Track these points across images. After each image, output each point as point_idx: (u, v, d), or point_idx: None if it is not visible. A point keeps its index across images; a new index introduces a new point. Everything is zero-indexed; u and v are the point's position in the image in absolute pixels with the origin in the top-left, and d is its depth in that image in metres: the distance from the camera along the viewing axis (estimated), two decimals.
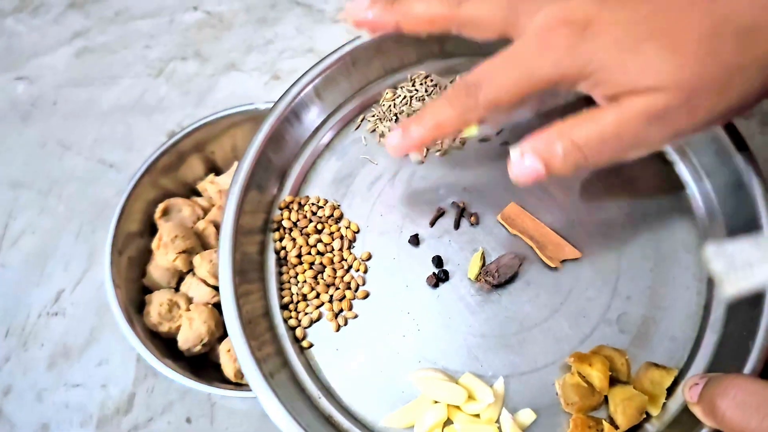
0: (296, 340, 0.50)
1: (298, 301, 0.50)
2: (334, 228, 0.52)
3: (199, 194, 0.69)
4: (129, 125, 0.79)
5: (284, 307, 0.50)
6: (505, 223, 0.51)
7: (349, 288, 0.50)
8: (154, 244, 0.62)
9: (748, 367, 0.43)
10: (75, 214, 0.73)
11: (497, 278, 0.48)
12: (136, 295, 0.61)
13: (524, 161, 0.40)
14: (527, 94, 0.39)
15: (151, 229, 0.65)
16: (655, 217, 0.51)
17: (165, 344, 0.60)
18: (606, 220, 0.51)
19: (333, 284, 0.51)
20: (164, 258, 0.61)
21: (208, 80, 0.81)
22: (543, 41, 0.37)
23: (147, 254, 0.64)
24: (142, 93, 0.81)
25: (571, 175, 0.39)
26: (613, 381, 0.45)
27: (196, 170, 0.69)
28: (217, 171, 0.70)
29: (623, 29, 0.36)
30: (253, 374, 0.45)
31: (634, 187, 0.52)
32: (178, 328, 0.59)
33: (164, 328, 0.59)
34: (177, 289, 0.63)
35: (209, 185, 0.68)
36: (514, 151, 0.40)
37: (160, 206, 0.64)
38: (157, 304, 0.59)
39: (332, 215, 0.52)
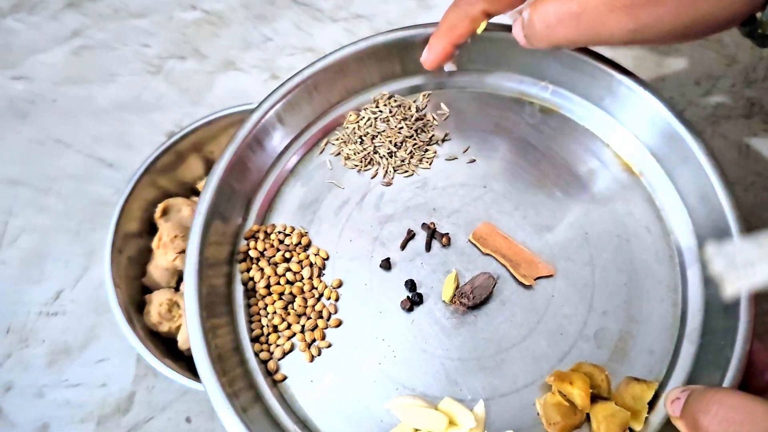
0: (268, 374, 0.48)
1: (268, 333, 0.49)
2: (302, 256, 0.51)
3: (198, 194, 0.68)
4: (127, 123, 0.78)
5: (255, 339, 0.49)
6: (477, 243, 0.50)
7: (321, 317, 0.49)
8: (153, 244, 0.61)
9: (728, 377, 0.43)
10: (74, 212, 0.72)
11: (472, 299, 0.47)
12: (136, 294, 0.60)
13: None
14: None
15: (151, 229, 0.63)
16: (628, 231, 0.50)
17: (165, 344, 0.59)
18: (579, 236, 0.50)
19: (304, 314, 0.49)
20: (164, 258, 0.60)
21: (207, 78, 0.80)
22: None
23: (147, 254, 0.63)
24: (140, 91, 0.80)
25: (535, 46, 0.42)
26: (594, 398, 0.44)
27: (196, 170, 0.68)
28: None
29: None
30: (225, 411, 0.43)
31: (605, 202, 0.52)
32: (178, 327, 0.58)
33: (164, 327, 0.58)
34: (177, 289, 0.62)
35: None
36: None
37: (160, 206, 0.63)
38: (157, 304, 0.58)
39: (300, 243, 0.51)
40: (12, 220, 0.72)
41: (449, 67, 0.49)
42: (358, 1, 0.84)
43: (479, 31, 0.45)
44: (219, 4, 0.86)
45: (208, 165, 0.68)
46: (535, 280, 0.49)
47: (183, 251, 0.60)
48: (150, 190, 0.63)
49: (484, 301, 0.48)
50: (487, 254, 0.50)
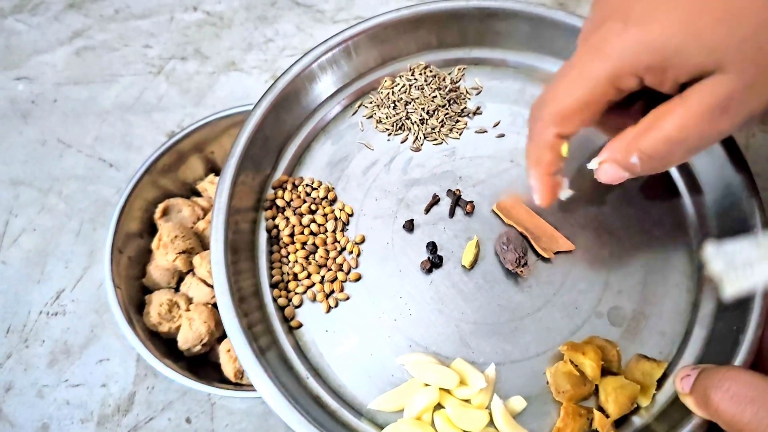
0: (285, 320, 0.49)
1: (288, 281, 0.50)
2: (327, 210, 0.51)
3: (199, 194, 0.68)
4: (129, 124, 0.78)
5: (274, 285, 0.50)
6: (501, 213, 0.51)
7: (341, 270, 0.50)
8: (154, 244, 0.61)
9: (739, 360, 0.43)
10: (75, 212, 0.72)
11: (524, 254, 0.48)
12: (136, 294, 0.61)
13: (606, 169, 0.40)
14: (590, 97, 0.38)
15: (151, 229, 0.64)
16: (648, 216, 0.51)
17: (165, 344, 0.59)
18: (600, 216, 0.51)
19: (325, 265, 0.50)
20: (164, 258, 0.60)
21: (208, 79, 0.81)
22: (593, 41, 0.37)
23: (147, 254, 0.63)
24: (141, 91, 0.81)
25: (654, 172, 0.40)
26: (605, 372, 0.45)
27: (196, 170, 0.69)
28: (217, 171, 0.69)
29: (672, 8, 0.34)
30: (244, 351, 0.44)
31: (628, 186, 0.52)
32: (178, 328, 0.58)
33: (164, 328, 0.58)
34: (177, 289, 0.62)
35: (209, 185, 0.67)
36: (593, 163, 0.41)
37: (160, 206, 0.63)
38: (157, 304, 0.59)
39: (326, 197, 0.52)
40: (13, 220, 0.72)
41: (565, 194, 0.46)
42: (359, 3, 0.85)
43: (564, 154, 0.42)
44: (220, 5, 0.87)
45: (209, 165, 0.69)
46: (554, 254, 0.49)
47: (183, 252, 0.60)
48: (151, 190, 0.64)
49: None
50: (509, 225, 0.50)
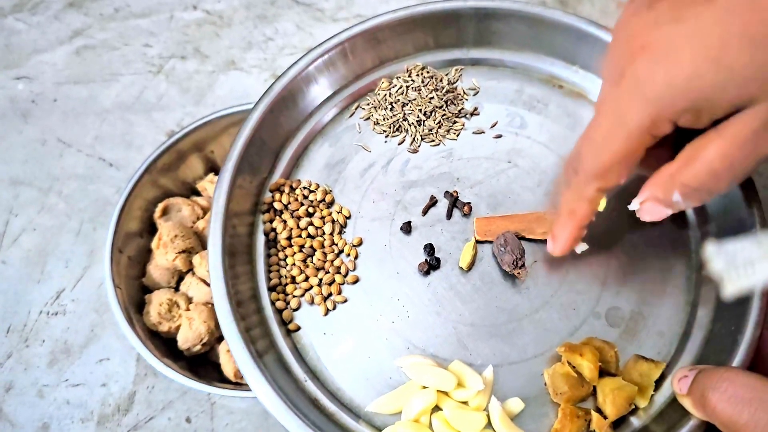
0: (283, 323, 0.49)
1: (286, 284, 0.50)
2: (325, 212, 0.51)
3: (198, 194, 0.68)
4: (129, 123, 0.78)
5: (272, 289, 0.50)
6: (485, 237, 0.50)
7: (338, 272, 0.50)
8: (153, 244, 0.61)
9: (737, 361, 0.43)
10: (75, 211, 0.73)
11: (522, 256, 0.48)
12: (136, 294, 0.61)
13: (648, 208, 0.40)
14: (629, 149, 0.37)
15: (151, 229, 0.64)
16: None
17: (165, 344, 0.59)
18: (597, 216, 0.50)
19: (322, 268, 0.50)
20: (164, 258, 0.60)
21: (208, 78, 0.81)
22: (624, 86, 0.36)
23: (147, 254, 0.63)
24: (141, 91, 0.81)
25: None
26: (602, 373, 0.45)
27: (196, 170, 0.69)
28: (217, 170, 0.69)
29: (699, 39, 0.33)
30: (241, 354, 0.44)
31: (625, 187, 0.52)
32: (178, 327, 0.59)
33: (164, 327, 0.58)
34: (177, 289, 0.62)
35: (209, 185, 0.67)
36: (634, 204, 0.41)
37: (160, 206, 0.63)
38: (156, 304, 0.59)
39: (324, 200, 0.52)
40: (13, 220, 0.73)
41: (581, 248, 0.47)
42: (359, 2, 0.85)
43: (600, 209, 0.43)
44: (220, 4, 0.87)
45: (209, 165, 0.69)
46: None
47: (183, 251, 0.60)
48: (150, 189, 0.64)
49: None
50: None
